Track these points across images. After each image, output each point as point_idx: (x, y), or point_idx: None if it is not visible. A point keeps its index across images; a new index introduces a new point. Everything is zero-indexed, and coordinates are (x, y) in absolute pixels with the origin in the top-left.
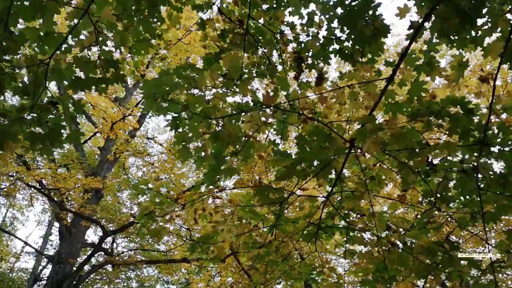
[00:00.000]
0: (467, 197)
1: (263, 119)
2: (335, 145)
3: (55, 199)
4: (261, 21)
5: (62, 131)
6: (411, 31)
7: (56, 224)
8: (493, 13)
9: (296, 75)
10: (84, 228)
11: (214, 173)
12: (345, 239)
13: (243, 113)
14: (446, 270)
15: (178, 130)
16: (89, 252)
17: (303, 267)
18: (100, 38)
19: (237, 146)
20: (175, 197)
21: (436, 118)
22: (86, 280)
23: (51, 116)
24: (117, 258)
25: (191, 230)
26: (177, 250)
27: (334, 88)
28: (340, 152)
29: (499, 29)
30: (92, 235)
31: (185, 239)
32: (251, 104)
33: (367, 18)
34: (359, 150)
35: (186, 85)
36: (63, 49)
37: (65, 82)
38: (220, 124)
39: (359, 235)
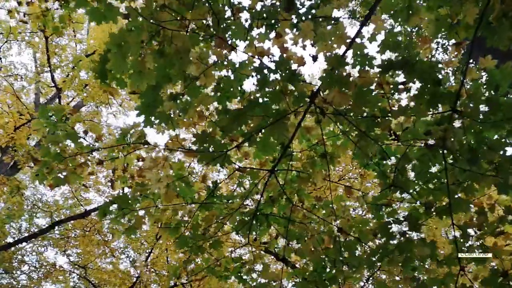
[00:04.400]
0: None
1: (213, 58)
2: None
3: None
4: None
5: None
6: None
7: None
8: None
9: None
10: None
11: (149, 111)
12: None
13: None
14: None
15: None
16: None
17: (230, 263)
18: None
19: (180, 83)
20: (95, 139)
21: (408, 75)
22: None
23: None
24: None
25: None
26: None
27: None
28: (299, 102)
29: None
30: None
31: None
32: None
33: None
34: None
35: None
36: None
37: None
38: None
39: (298, 230)
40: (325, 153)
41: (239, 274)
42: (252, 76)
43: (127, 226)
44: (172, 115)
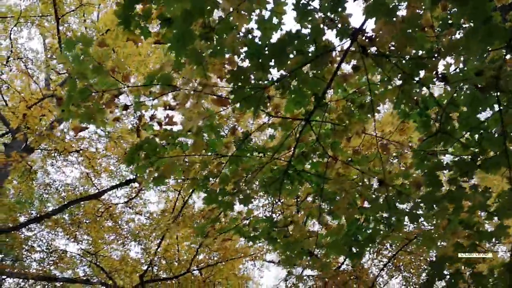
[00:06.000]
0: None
1: None
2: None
3: None
4: None
5: None
6: None
7: None
8: None
9: None
10: None
11: (179, 46)
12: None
13: None
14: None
15: None
16: None
17: (259, 222)
18: None
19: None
20: (122, 77)
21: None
22: None
23: None
24: None
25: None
26: None
27: None
28: (341, 36)
29: None
30: None
31: None
32: None
33: None
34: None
35: None
36: None
37: None
38: None
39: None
40: (367, 102)
41: (269, 235)
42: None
43: (154, 175)
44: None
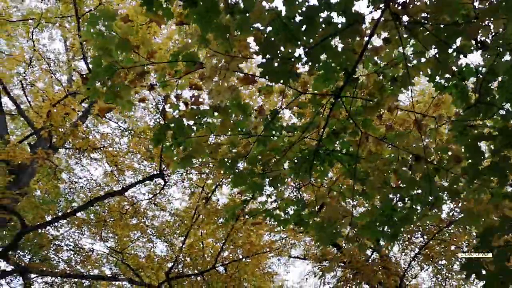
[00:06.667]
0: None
1: None
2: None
3: None
4: None
5: None
6: None
7: None
8: None
9: None
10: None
11: (205, 20)
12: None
13: None
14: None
15: None
16: None
17: (290, 204)
18: None
19: None
20: (147, 54)
21: None
22: None
23: None
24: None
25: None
26: None
27: None
28: (375, 2)
29: None
30: None
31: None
32: None
33: None
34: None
35: None
36: None
37: None
38: None
39: (364, 168)
40: (400, 76)
41: (299, 217)
42: None
43: (182, 155)
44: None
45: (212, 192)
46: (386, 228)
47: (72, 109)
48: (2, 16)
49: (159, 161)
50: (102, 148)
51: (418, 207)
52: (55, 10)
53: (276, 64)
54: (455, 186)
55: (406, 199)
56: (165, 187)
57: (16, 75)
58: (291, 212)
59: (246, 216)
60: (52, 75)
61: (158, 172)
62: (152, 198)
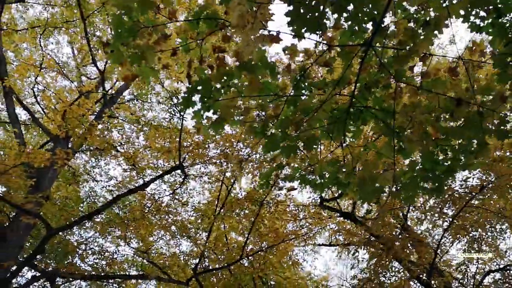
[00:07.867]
0: None
1: None
2: None
3: None
4: None
5: None
6: None
7: None
8: None
9: None
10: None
11: None
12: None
13: None
14: None
15: None
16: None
17: (325, 168)
18: None
19: None
20: (168, 13)
21: None
22: None
23: None
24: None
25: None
26: None
27: None
28: None
29: None
30: None
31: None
32: None
33: None
34: None
35: None
36: None
37: None
38: None
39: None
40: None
41: (337, 179)
42: None
43: (212, 120)
44: None
45: (232, 185)
46: (428, 182)
47: (87, 109)
48: (9, 26)
49: (177, 154)
50: (120, 145)
51: (462, 157)
52: (60, 14)
53: (302, 11)
54: (502, 127)
55: (448, 150)
56: (185, 180)
57: (28, 84)
58: (327, 176)
59: (280, 183)
60: (65, 76)
61: (177, 164)
62: (173, 194)
